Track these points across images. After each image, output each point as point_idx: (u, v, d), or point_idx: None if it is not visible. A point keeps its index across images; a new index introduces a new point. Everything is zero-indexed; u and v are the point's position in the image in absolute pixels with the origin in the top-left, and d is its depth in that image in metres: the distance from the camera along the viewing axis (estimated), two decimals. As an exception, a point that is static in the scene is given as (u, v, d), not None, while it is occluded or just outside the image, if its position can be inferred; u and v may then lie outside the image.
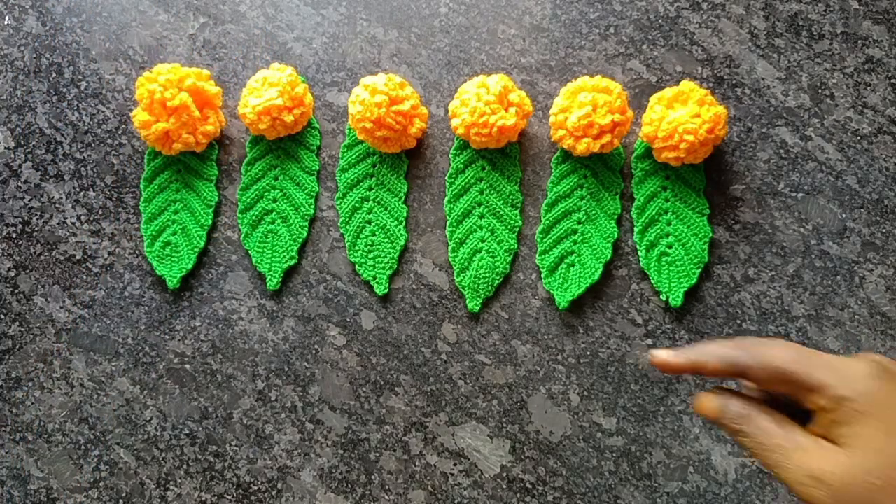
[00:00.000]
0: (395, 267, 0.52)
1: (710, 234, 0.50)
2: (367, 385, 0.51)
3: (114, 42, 0.57)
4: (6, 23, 0.58)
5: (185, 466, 0.52)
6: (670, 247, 0.50)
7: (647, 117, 0.49)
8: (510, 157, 0.52)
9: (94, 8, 0.57)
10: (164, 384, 0.53)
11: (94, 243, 0.55)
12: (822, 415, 0.34)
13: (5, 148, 0.56)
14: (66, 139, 0.56)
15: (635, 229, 0.50)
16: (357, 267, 0.52)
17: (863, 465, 0.33)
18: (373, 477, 0.50)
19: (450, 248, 0.52)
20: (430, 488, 0.50)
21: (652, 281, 0.50)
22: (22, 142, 0.56)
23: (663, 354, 0.36)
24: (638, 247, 0.50)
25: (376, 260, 0.52)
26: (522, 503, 0.49)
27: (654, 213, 0.50)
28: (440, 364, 0.51)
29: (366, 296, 0.52)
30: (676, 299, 0.49)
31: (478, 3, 0.54)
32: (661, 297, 0.50)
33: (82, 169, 0.56)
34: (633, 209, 0.51)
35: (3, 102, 0.57)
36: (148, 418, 0.53)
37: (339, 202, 0.53)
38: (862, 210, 0.49)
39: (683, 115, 0.47)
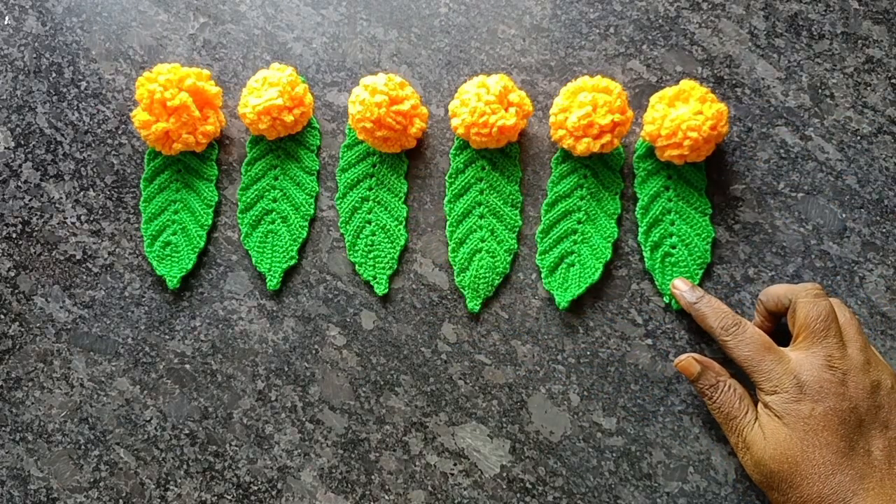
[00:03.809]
0: (395, 267, 0.52)
1: (713, 234, 0.50)
2: (367, 385, 0.51)
3: (114, 42, 0.57)
4: (6, 23, 0.58)
5: (185, 466, 0.52)
6: (674, 247, 0.50)
7: (648, 116, 0.49)
8: (510, 157, 0.52)
9: (94, 8, 0.57)
10: (164, 384, 0.53)
11: (94, 243, 0.55)
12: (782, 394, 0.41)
13: (5, 148, 0.57)
14: (66, 139, 0.56)
15: (640, 230, 0.50)
16: (357, 267, 0.52)
17: (787, 439, 0.40)
18: (373, 477, 0.50)
19: (450, 248, 0.52)
20: (430, 488, 0.50)
21: (656, 283, 0.50)
22: (22, 142, 0.56)
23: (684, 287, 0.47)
24: (643, 247, 0.50)
25: (376, 260, 0.52)
26: (522, 503, 0.49)
27: (657, 213, 0.50)
28: (440, 364, 0.51)
29: (366, 296, 0.52)
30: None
31: (478, 3, 0.54)
32: (664, 298, 0.49)
33: (82, 169, 0.56)
34: (636, 209, 0.50)
35: (3, 102, 0.57)
36: (148, 418, 0.53)
37: (339, 202, 0.53)
38: (862, 210, 0.49)
39: (686, 112, 0.47)
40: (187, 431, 0.52)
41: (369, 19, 0.55)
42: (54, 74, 0.57)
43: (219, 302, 0.53)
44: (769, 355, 0.42)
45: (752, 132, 0.51)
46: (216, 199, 0.54)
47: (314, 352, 0.52)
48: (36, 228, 0.55)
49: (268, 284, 0.52)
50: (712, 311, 0.45)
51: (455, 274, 0.51)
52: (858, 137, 0.50)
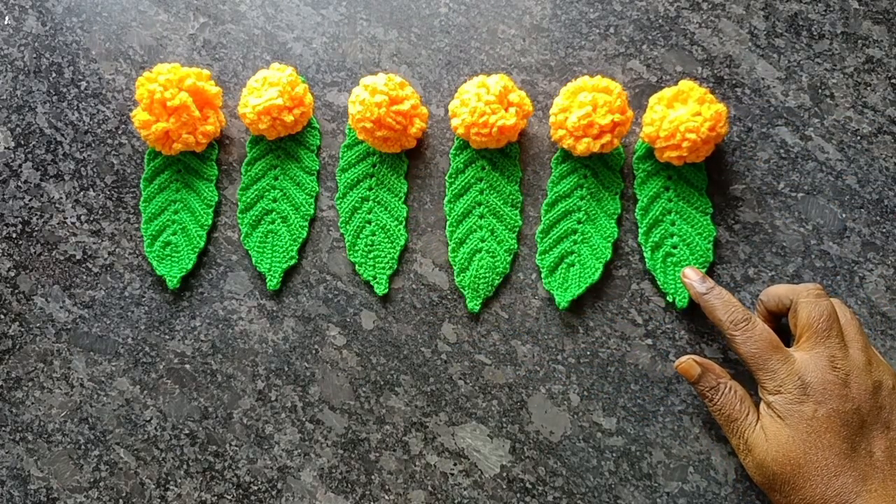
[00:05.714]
0: (395, 267, 0.52)
1: (715, 233, 0.50)
2: (367, 385, 0.51)
3: (114, 42, 0.57)
4: (6, 23, 0.58)
5: (185, 466, 0.52)
6: (675, 247, 0.50)
7: (647, 118, 0.49)
8: (510, 157, 0.52)
9: (94, 8, 0.57)
10: (164, 384, 0.53)
11: (94, 243, 0.55)
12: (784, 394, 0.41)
13: (5, 148, 0.57)
14: (66, 139, 0.56)
15: (640, 230, 0.50)
16: (357, 267, 0.52)
17: (788, 441, 0.40)
18: (373, 477, 0.50)
19: (450, 248, 0.52)
20: (430, 488, 0.50)
21: (658, 282, 0.50)
22: (22, 142, 0.56)
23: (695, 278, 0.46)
24: (643, 248, 0.50)
25: (376, 260, 0.52)
26: (522, 503, 0.49)
27: (657, 213, 0.50)
28: (440, 364, 0.51)
29: (366, 296, 0.52)
30: (683, 300, 0.49)
31: (478, 3, 0.54)
32: (667, 297, 0.49)
33: (82, 169, 0.56)
34: (636, 210, 0.50)
35: (3, 102, 0.57)
36: (148, 418, 0.53)
37: (339, 202, 0.53)
38: (862, 210, 0.49)
39: (684, 113, 0.47)
40: (187, 431, 0.52)
41: (369, 19, 0.55)
42: (54, 74, 0.57)
43: (219, 302, 0.53)
44: (776, 354, 0.42)
45: (752, 132, 0.51)
46: (216, 199, 0.54)
47: (314, 352, 0.52)
48: (36, 228, 0.55)
49: (268, 284, 0.52)
50: (722, 303, 0.44)
51: (455, 274, 0.51)
52: (858, 137, 0.50)
